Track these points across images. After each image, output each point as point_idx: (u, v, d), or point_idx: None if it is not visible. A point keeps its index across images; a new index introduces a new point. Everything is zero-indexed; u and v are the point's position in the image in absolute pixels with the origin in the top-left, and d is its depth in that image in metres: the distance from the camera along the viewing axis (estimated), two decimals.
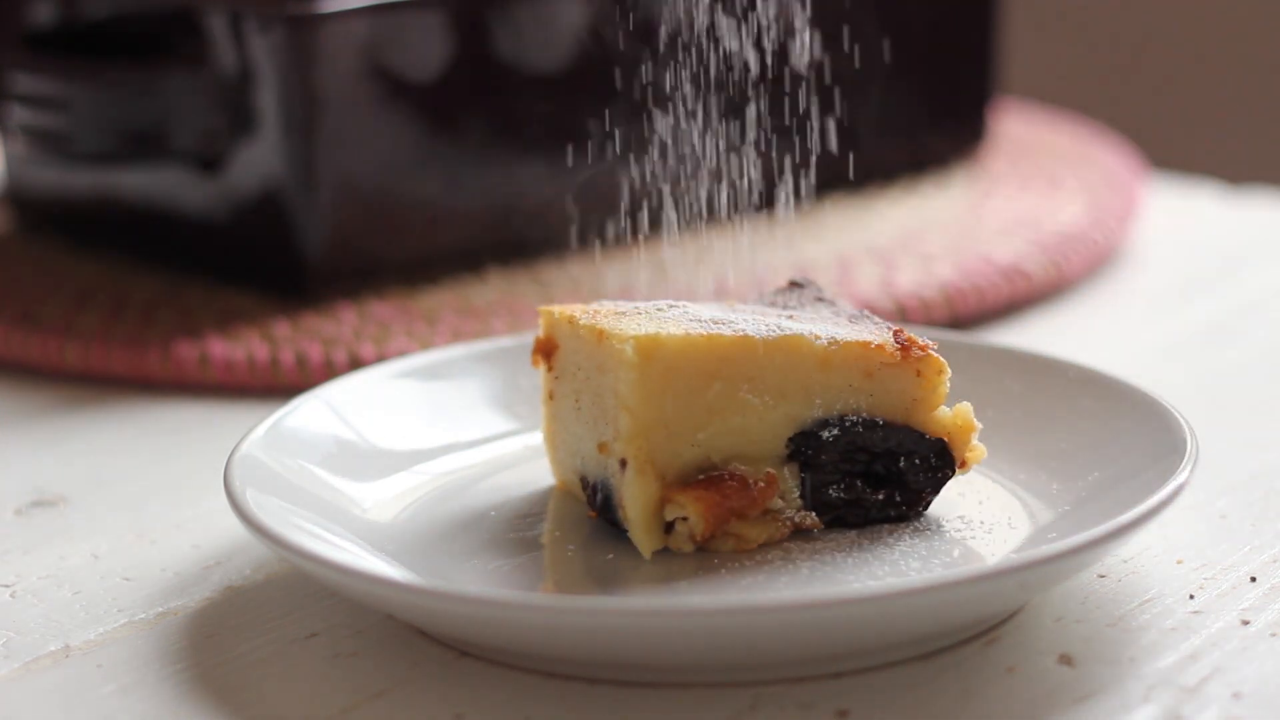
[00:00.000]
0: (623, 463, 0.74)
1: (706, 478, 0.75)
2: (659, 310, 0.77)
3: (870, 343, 0.76)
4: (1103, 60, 2.06)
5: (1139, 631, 0.71)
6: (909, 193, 1.25)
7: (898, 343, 0.76)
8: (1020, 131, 1.37)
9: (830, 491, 0.76)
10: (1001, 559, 0.74)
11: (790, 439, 0.76)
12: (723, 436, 0.75)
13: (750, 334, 0.75)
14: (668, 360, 0.74)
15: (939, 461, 0.77)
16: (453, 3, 1.07)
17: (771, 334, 0.75)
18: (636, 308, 0.78)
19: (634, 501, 0.74)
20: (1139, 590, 0.75)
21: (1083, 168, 1.29)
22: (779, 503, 0.76)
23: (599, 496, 0.77)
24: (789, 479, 0.76)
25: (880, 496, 0.77)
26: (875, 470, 0.77)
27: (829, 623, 0.66)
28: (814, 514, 0.76)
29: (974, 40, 1.28)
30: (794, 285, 0.83)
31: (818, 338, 0.76)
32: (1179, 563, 0.77)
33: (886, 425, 0.77)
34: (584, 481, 0.78)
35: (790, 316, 0.79)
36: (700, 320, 0.76)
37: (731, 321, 0.76)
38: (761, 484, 0.75)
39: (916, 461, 0.77)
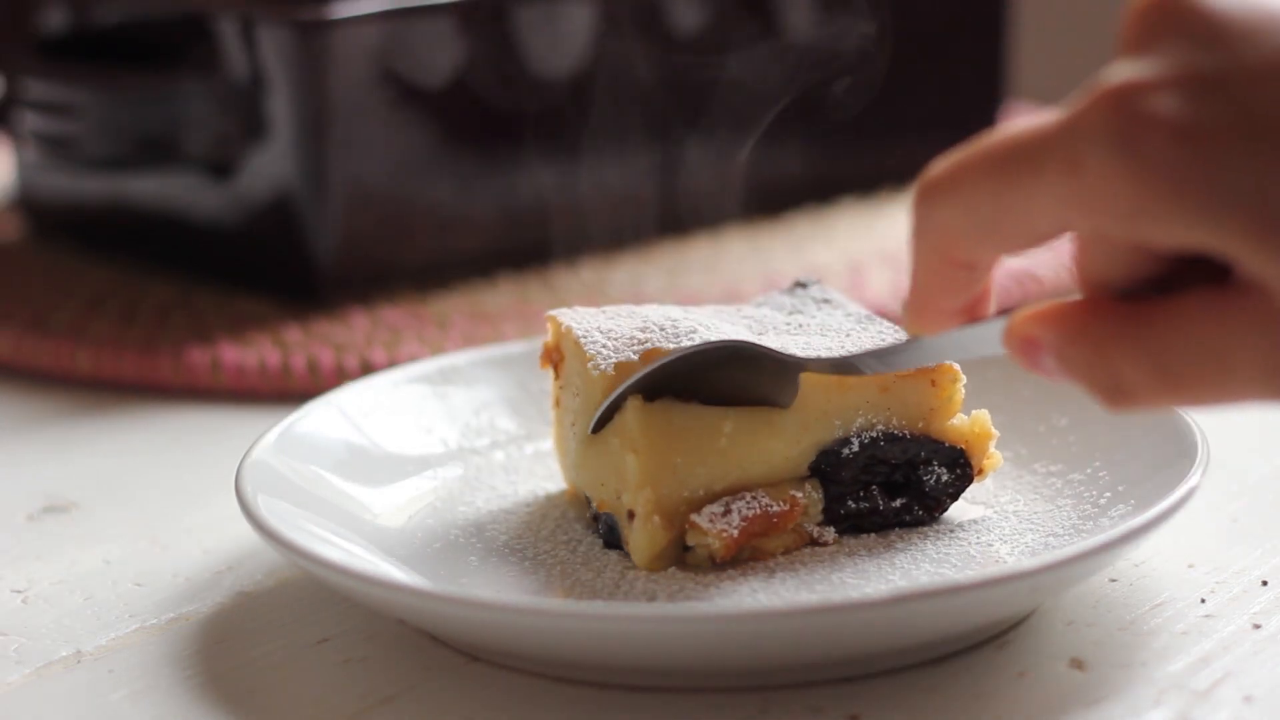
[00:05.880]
0: (630, 514, 0.74)
1: (728, 503, 0.74)
2: (665, 324, 0.76)
3: None
4: (1111, 63, 2.05)
5: (1150, 635, 0.71)
6: None
7: None
8: None
9: (849, 502, 0.76)
10: (1013, 563, 0.74)
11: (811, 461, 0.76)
12: (740, 469, 0.74)
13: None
14: (673, 421, 0.73)
15: (958, 470, 0.77)
16: (463, 8, 1.07)
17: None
18: (645, 323, 0.76)
19: (640, 552, 0.73)
20: (1150, 594, 0.74)
21: None
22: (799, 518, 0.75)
23: (602, 526, 0.76)
24: (810, 493, 0.75)
25: (897, 504, 0.76)
26: (894, 479, 0.76)
27: (840, 627, 0.65)
28: (832, 529, 0.75)
29: (983, 43, 1.28)
30: (798, 285, 0.83)
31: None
32: (1190, 567, 0.76)
33: (905, 437, 0.76)
34: (586, 500, 0.77)
35: (800, 325, 0.78)
36: (711, 338, 0.74)
37: (743, 334, 0.75)
38: (785, 508, 0.74)
39: (935, 470, 0.76)
